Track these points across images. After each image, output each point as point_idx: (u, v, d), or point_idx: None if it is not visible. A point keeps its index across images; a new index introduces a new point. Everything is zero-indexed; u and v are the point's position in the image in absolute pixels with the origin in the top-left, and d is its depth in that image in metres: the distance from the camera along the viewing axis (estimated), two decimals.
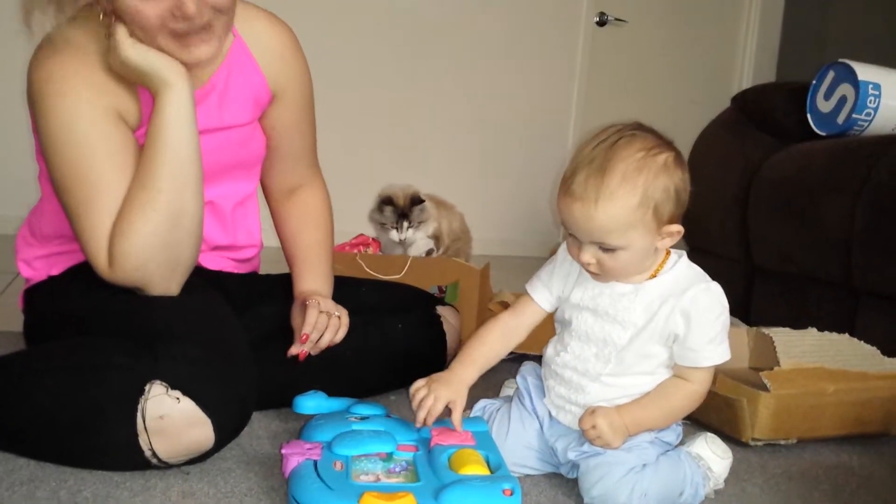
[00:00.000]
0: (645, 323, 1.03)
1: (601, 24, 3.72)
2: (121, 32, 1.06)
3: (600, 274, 1.04)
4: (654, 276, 1.05)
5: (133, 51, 1.06)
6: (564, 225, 1.03)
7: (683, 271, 1.05)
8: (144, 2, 1.04)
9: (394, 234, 2.06)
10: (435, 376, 1.10)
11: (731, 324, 1.66)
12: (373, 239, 2.15)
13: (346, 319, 1.31)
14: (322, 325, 1.27)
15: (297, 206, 1.43)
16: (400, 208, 2.06)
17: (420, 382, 1.09)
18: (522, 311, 1.15)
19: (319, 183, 1.47)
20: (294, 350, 1.26)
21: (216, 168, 1.25)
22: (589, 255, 1.02)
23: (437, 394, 1.06)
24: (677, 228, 1.02)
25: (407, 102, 3.42)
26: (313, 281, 1.36)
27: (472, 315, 1.70)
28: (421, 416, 1.06)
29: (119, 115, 1.11)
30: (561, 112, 3.73)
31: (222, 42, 1.13)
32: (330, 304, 1.32)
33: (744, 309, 2.20)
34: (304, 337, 1.25)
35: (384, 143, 3.39)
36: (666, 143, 1.02)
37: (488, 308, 1.75)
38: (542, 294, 1.13)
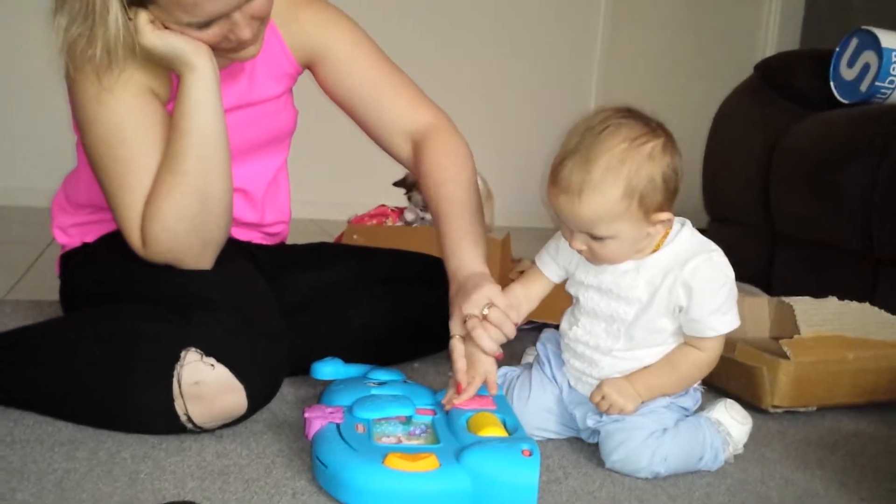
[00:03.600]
0: (649, 298, 1.04)
1: None
2: (142, 19, 1.03)
3: (593, 259, 1.06)
4: (656, 249, 1.04)
5: (155, 37, 1.03)
6: (554, 213, 1.03)
7: (685, 242, 1.05)
8: (199, 32, 1.04)
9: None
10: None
11: (752, 293, 1.66)
12: (392, 209, 2.16)
13: (500, 301, 1.09)
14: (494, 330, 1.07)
15: (426, 160, 1.27)
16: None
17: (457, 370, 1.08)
18: (532, 282, 1.16)
19: (444, 124, 1.31)
20: (452, 403, 1.06)
21: (248, 145, 1.25)
22: (579, 242, 1.03)
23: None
24: (667, 216, 1.01)
25: (425, 69, 3.41)
26: (464, 253, 1.18)
27: None
28: (449, 396, 1.07)
29: (150, 89, 1.11)
30: (582, 79, 3.71)
31: (263, 36, 1.12)
32: (477, 300, 1.08)
33: (765, 278, 2.20)
34: (459, 387, 1.07)
35: None
36: (654, 130, 1.00)
37: (510, 278, 1.76)
38: (550, 266, 1.14)
